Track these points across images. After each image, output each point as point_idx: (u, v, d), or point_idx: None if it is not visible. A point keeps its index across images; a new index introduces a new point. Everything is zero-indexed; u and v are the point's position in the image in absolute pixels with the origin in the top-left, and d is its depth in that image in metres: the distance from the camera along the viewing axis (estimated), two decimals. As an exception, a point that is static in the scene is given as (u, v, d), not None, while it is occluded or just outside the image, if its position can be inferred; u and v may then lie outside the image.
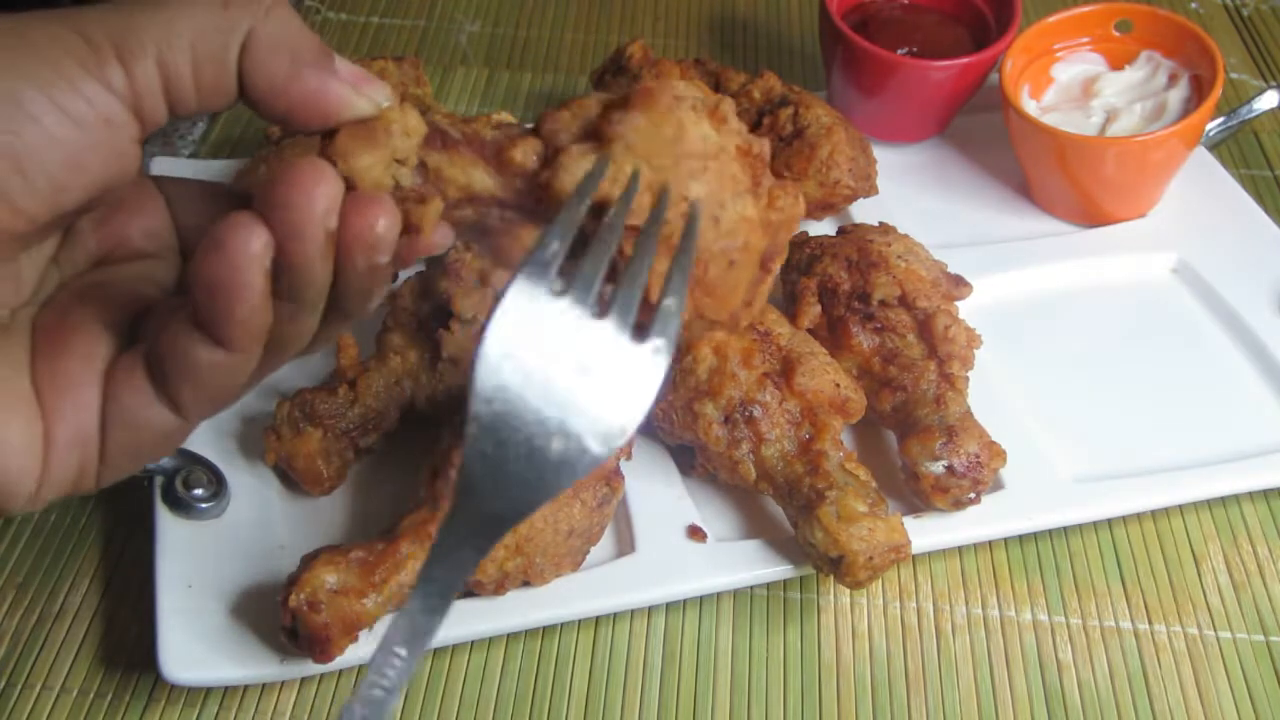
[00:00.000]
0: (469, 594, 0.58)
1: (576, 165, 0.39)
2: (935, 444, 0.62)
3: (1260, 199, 0.87)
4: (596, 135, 0.40)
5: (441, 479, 0.57)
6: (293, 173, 0.35)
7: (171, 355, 0.36)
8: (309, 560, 0.54)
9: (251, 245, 0.34)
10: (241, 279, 0.34)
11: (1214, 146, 0.90)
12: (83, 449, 0.37)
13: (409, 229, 0.39)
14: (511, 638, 0.60)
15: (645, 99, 0.40)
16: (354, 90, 0.38)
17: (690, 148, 0.40)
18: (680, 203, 0.39)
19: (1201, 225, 0.83)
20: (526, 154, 0.41)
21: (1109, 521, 0.67)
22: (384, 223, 0.36)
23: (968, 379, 0.67)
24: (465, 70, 0.99)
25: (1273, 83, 1.01)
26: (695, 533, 0.63)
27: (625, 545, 0.63)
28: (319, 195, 0.35)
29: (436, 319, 0.65)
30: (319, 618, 0.52)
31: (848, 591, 0.64)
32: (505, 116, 0.76)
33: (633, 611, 0.62)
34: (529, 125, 0.42)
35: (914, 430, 0.64)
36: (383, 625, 0.56)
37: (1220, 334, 0.77)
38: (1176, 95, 0.80)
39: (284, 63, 0.36)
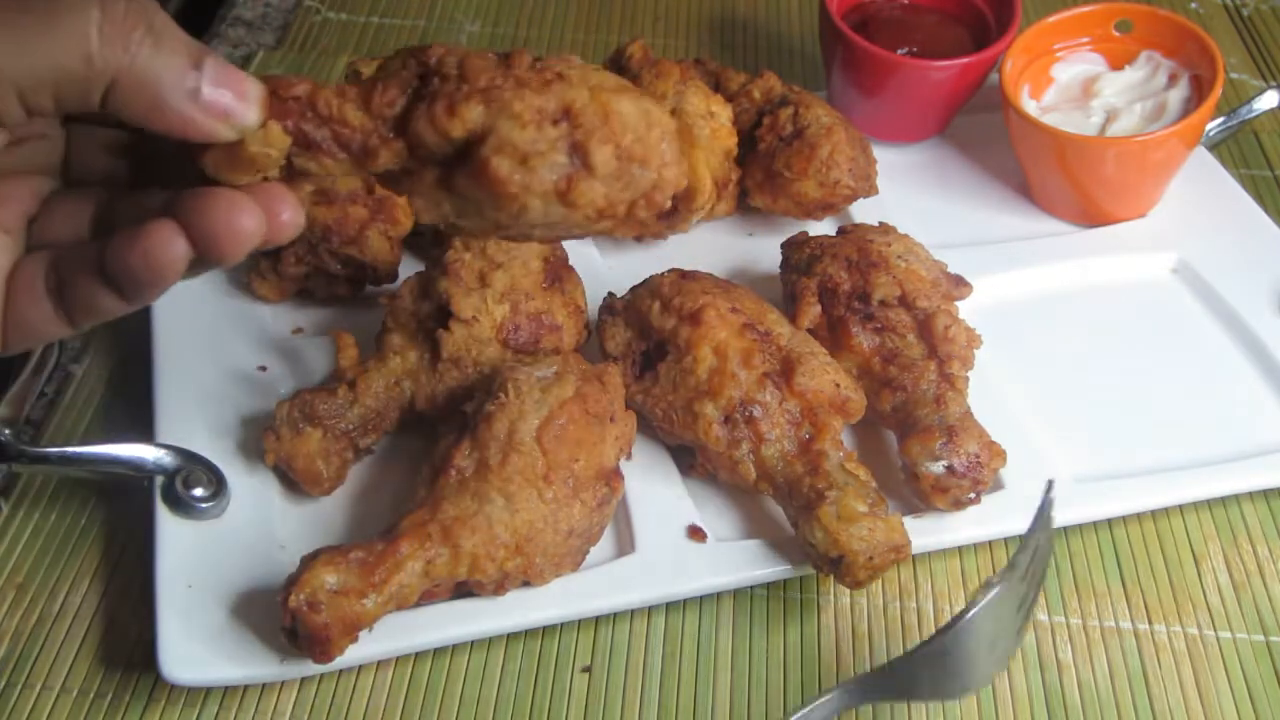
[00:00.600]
0: (469, 594, 0.58)
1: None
2: (935, 444, 0.62)
3: (1260, 199, 0.87)
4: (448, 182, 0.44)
5: (441, 479, 0.57)
6: (213, 204, 0.40)
7: (82, 299, 0.42)
8: (309, 560, 0.54)
9: (174, 252, 0.40)
10: (161, 277, 0.41)
11: (1214, 146, 0.90)
12: None
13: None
14: (511, 638, 0.60)
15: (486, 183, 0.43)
16: (216, 120, 0.40)
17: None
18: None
19: (1201, 225, 0.83)
20: (390, 159, 0.44)
21: (1109, 521, 0.67)
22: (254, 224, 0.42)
23: (968, 379, 0.67)
24: (465, 70, 0.99)
25: (1273, 83, 1.01)
26: (695, 533, 0.63)
27: (625, 545, 0.63)
28: (241, 228, 0.41)
29: (436, 319, 0.65)
30: (319, 618, 0.52)
31: (848, 591, 0.64)
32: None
33: (633, 611, 0.62)
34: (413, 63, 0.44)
35: (914, 430, 0.64)
36: (381, 625, 0.56)
37: (1220, 334, 0.77)
38: (1176, 95, 0.80)
39: (145, 102, 0.39)
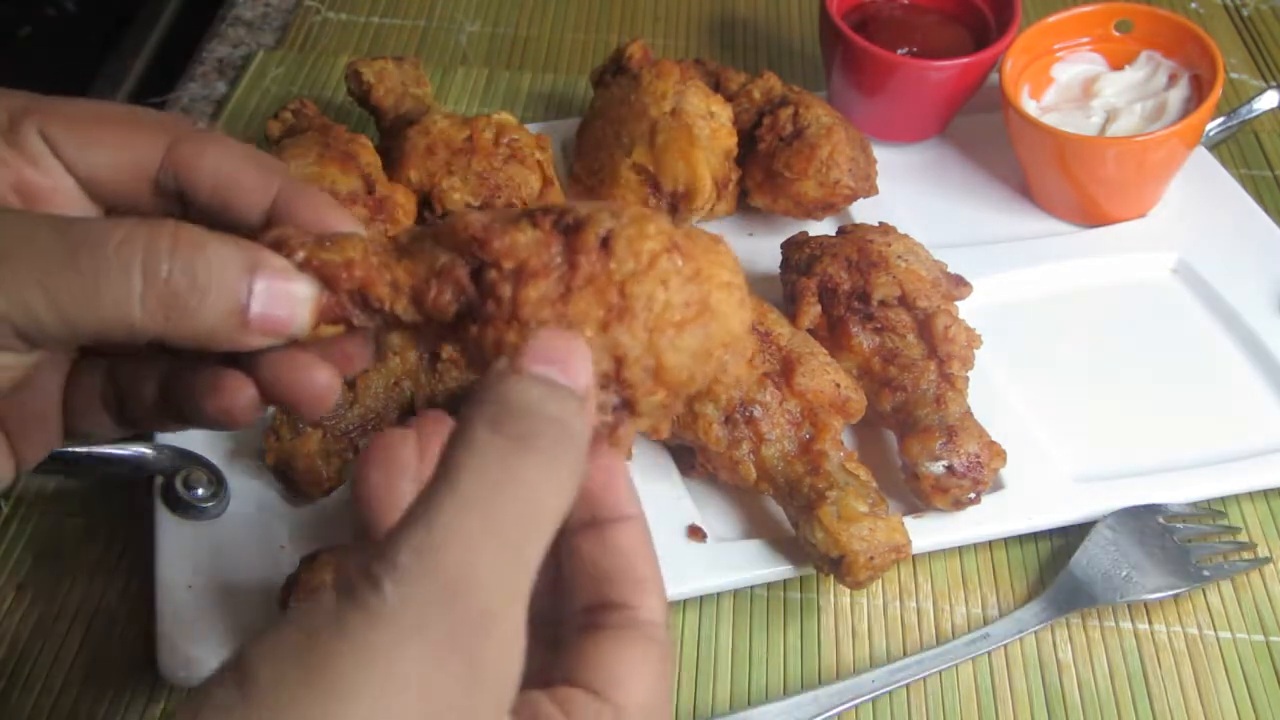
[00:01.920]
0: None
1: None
2: (935, 444, 0.62)
3: (1260, 199, 0.87)
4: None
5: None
6: (289, 366, 0.40)
7: (143, 417, 0.42)
8: (308, 561, 0.54)
9: (249, 409, 0.40)
10: (232, 426, 0.40)
11: (1214, 146, 0.90)
12: (47, 450, 0.43)
13: None
14: (511, 638, 0.60)
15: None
16: (265, 338, 0.38)
17: None
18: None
19: (1201, 225, 0.83)
20: (439, 346, 0.42)
21: (1109, 521, 0.67)
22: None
23: (968, 379, 0.67)
24: (465, 70, 0.99)
25: (1273, 83, 1.01)
26: (695, 533, 0.63)
27: (625, 545, 0.63)
28: (318, 387, 0.40)
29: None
30: (319, 618, 0.52)
31: (848, 591, 0.64)
32: (505, 116, 0.76)
33: (633, 611, 0.62)
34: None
35: (914, 430, 0.64)
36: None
37: (1220, 334, 0.77)
38: (1176, 95, 0.80)
39: (191, 344, 0.37)
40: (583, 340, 0.37)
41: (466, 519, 0.29)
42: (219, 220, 0.41)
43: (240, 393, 0.39)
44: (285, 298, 0.38)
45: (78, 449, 0.62)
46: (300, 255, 0.39)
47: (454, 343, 0.42)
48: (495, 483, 0.30)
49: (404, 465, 0.38)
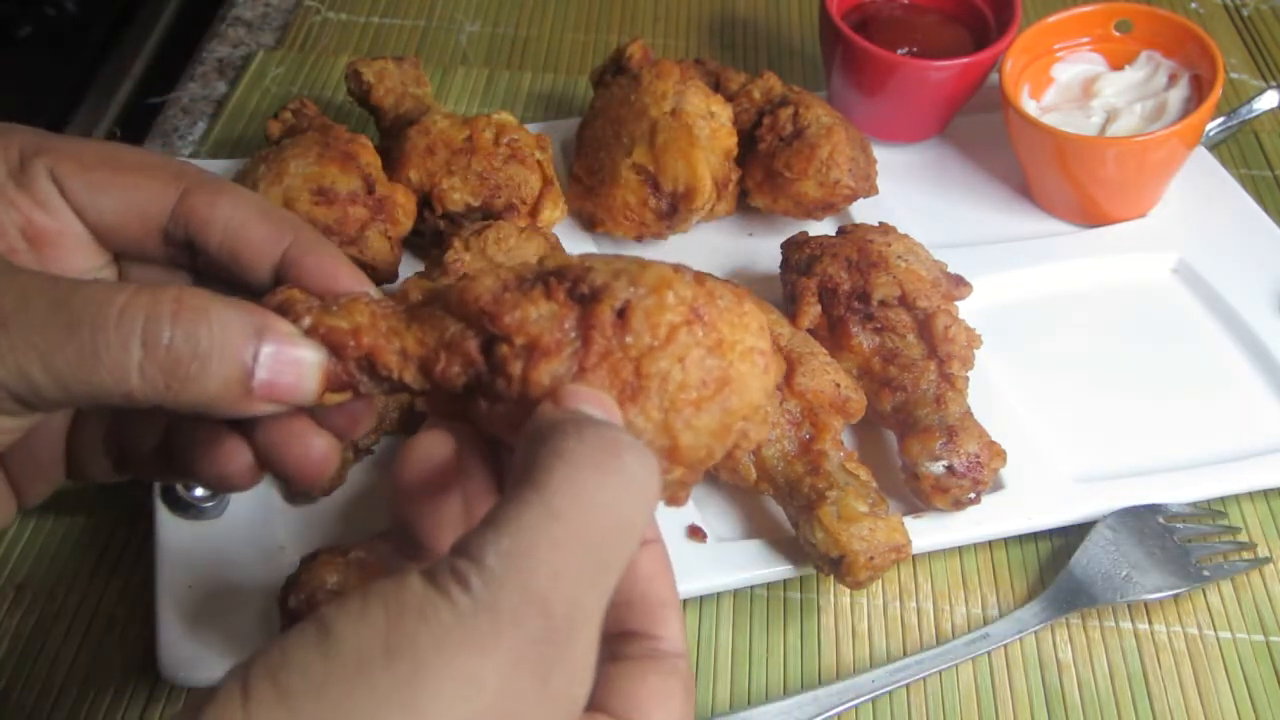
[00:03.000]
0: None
1: None
2: (935, 444, 0.62)
3: (1260, 199, 0.87)
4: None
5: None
6: (287, 439, 0.40)
7: (144, 469, 0.42)
8: (308, 561, 0.54)
9: (247, 476, 0.40)
10: (232, 490, 0.42)
11: (1214, 146, 0.90)
12: (49, 491, 0.43)
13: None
14: (511, 638, 0.60)
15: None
16: (270, 406, 0.37)
17: None
18: None
19: (1201, 225, 0.83)
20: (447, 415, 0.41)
21: (1109, 521, 0.67)
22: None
23: (968, 379, 0.67)
24: (465, 70, 0.99)
25: (1273, 83, 1.01)
26: (695, 533, 0.63)
27: (625, 545, 0.63)
28: (317, 458, 0.40)
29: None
30: (319, 618, 0.52)
31: (848, 591, 0.64)
32: (505, 116, 0.76)
33: (633, 611, 0.62)
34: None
35: (914, 430, 0.64)
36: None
37: (1220, 334, 0.77)
38: (1176, 95, 0.80)
39: (194, 412, 0.36)
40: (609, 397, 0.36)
41: (556, 528, 0.29)
42: (227, 272, 0.41)
43: (237, 458, 0.39)
44: (292, 365, 0.37)
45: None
46: (307, 321, 0.38)
47: (463, 414, 0.40)
48: (586, 494, 0.30)
49: (441, 466, 0.37)
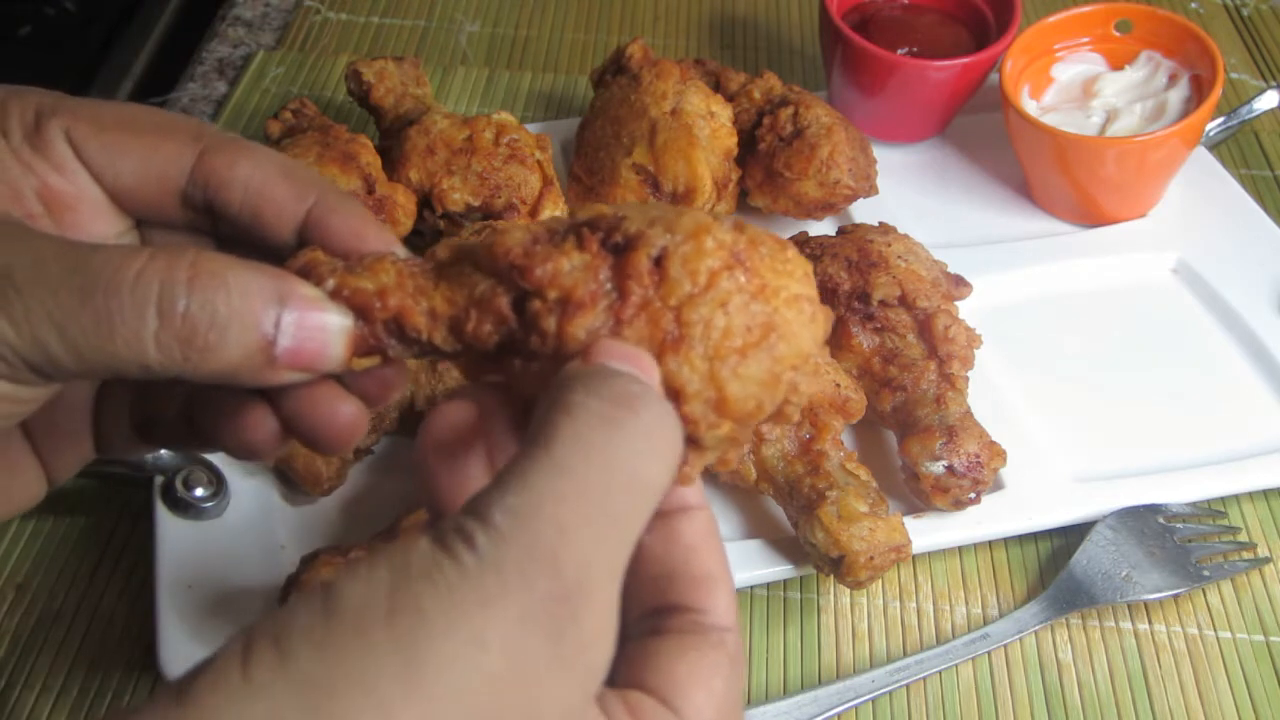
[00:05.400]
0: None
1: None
2: (935, 444, 0.62)
3: (1260, 199, 0.87)
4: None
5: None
6: (314, 402, 0.38)
7: (168, 439, 0.41)
8: (308, 561, 0.54)
9: (272, 442, 0.38)
10: (257, 458, 0.39)
11: (1214, 146, 0.90)
12: (78, 465, 0.42)
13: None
14: (511, 638, 0.60)
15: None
16: (296, 374, 0.36)
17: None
18: None
19: (1201, 225, 0.83)
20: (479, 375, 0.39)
21: (1109, 521, 0.67)
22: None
23: (968, 379, 0.67)
24: (465, 70, 0.99)
25: (1273, 83, 1.01)
26: (695, 533, 0.63)
27: (625, 545, 0.63)
28: (344, 423, 0.38)
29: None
30: (319, 618, 0.52)
31: (848, 591, 0.64)
32: (505, 116, 0.76)
33: (633, 611, 0.62)
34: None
35: (914, 430, 0.64)
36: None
37: (1220, 334, 0.77)
38: (1176, 95, 0.80)
39: (215, 382, 0.35)
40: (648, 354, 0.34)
41: (561, 483, 0.28)
42: (249, 235, 0.40)
43: (262, 426, 0.38)
44: (317, 331, 0.35)
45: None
46: (330, 284, 0.36)
47: (497, 373, 0.38)
48: (593, 448, 0.29)
49: (465, 434, 0.35)
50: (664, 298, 0.36)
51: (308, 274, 0.37)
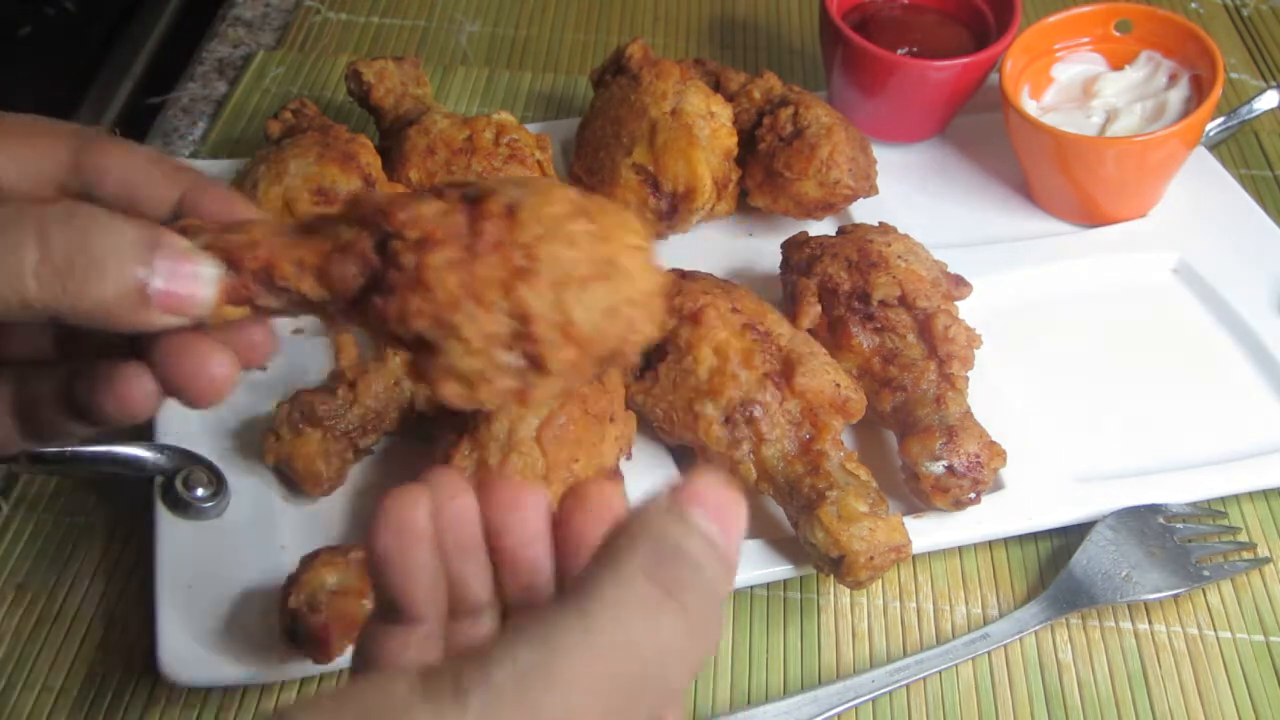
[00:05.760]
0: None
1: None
2: (935, 444, 0.62)
3: (1260, 199, 0.87)
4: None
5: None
6: (187, 354, 0.39)
7: (48, 423, 0.41)
8: (309, 561, 0.54)
9: (148, 400, 0.39)
10: (134, 419, 0.40)
11: (1214, 146, 0.90)
12: None
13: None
14: (511, 638, 0.60)
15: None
16: (169, 316, 0.38)
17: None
18: None
19: (1201, 225, 0.83)
20: (350, 325, 0.42)
21: (1109, 521, 0.67)
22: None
23: (968, 379, 0.67)
24: (465, 70, 0.99)
25: (1273, 83, 1.01)
26: (695, 533, 0.63)
27: (625, 545, 0.63)
28: (215, 376, 0.40)
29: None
30: (318, 618, 0.52)
31: (848, 591, 0.64)
32: (505, 116, 0.76)
33: (633, 611, 0.62)
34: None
35: (914, 430, 0.64)
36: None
37: (1220, 334, 0.77)
38: (1176, 95, 0.80)
39: (92, 322, 0.36)
40: (744, 502, 0.33)
41: (588, 663, 0.26)
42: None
43: (137, 382, 0.38)
44: (188, 275, 0.37)
45: (78, 449, 0.62)
46: (204, 238, 0.39)
47: (361, 322, 0.41)
48: (631, 634, 0.27)
49: (419, 531, 0.35)
50: (515, 238, 0.39)
51: (183, 232, 0.39)
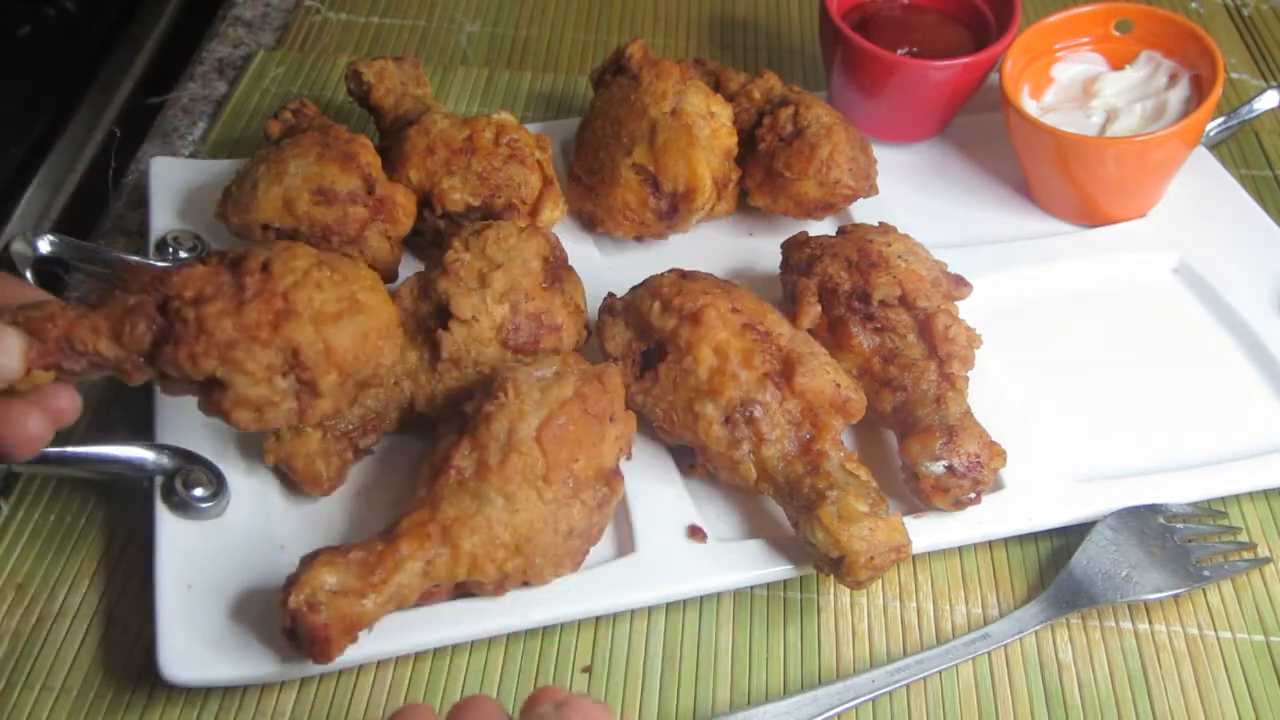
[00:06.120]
0: (469, 594, 0.58)
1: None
2: (935, 444, 0.62)
3: (1260, 199, 0.87)
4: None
5: (441, 479, 0.57)
6: (7, 421, 0.48)
7: None
8: (308, 561, 0.54)
9: None
10: None
11: (1214, 146, 0.90)
12: None
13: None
14: (512, 638, 0.60)
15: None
16: None
17: None
18: None
19: (1201, 225, 0.83)
20: (146, 378, 0.52)
21: (1109, 521, 0.67)
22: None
23: (968, 379, 0.67)
24: (465, 70, 0.99)
25: (1273, 83, 1.01)
26: (695, 533, 0.63)
27: (625, 545, 0.63)
28: (30, 434, 0.49)
29: (436, 319, 0.65)
30: (318, 618, 0.52)
31: (848, 591, 0.64)
32: (505, 116, 0.76)
33: (633, 611, 0.62)
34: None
35: (914, 430, 0.64)
36: (381, 625, 0.56)
37: (1220, 334, 0.77)
38: (1176, 95, 0.80)
39: None
40: None
41: None
42: None
43: None
44: None
45: (77, 449, 0.62)
46: (7, 316, 0.48)
47: (155, 372, 0.51)
48: None
49: None
50: (273, 287, 0.50)
51: None
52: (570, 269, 0.70)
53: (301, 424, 0.54)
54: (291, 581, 0.53)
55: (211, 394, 0.52)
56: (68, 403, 0.50)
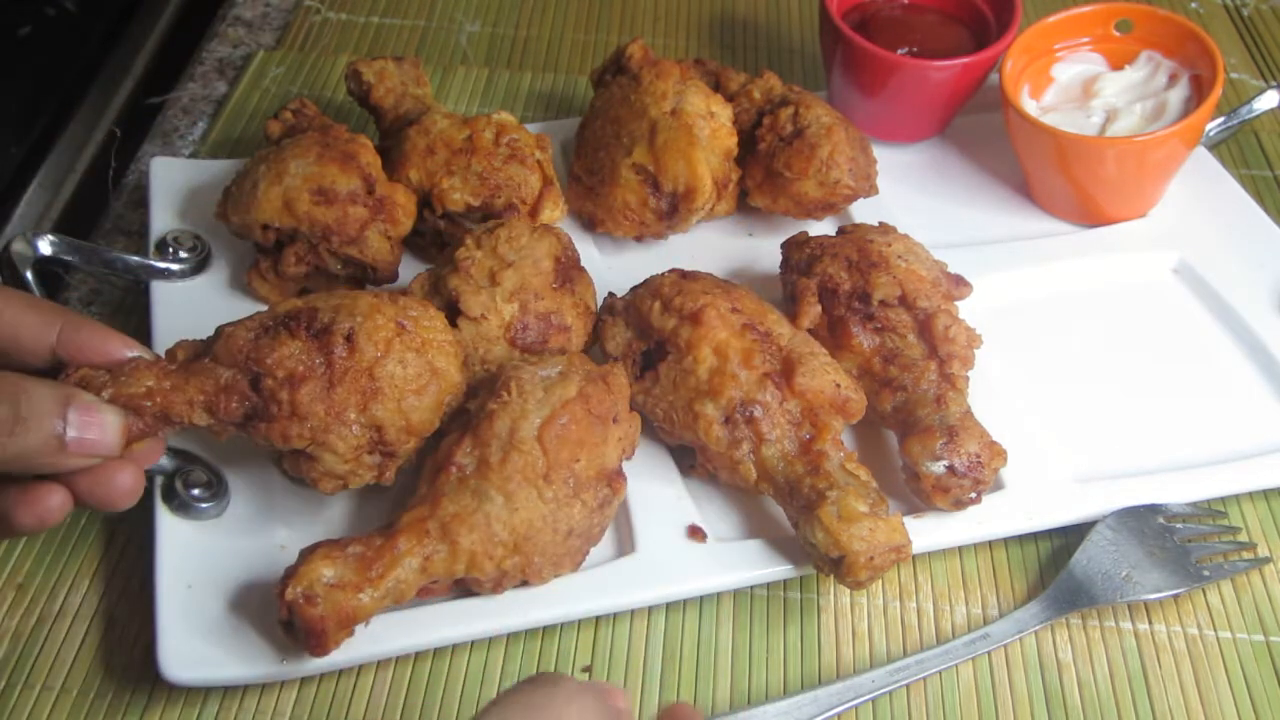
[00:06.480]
0: (469, 593, 0.58)
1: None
2: (936, 444, 0.62)
3: (1260, 199, 0.87)
4: None
5: (442, 476, 0.57)
6: (102, 474, 0.50)
7: None
8: (307, 553, 0.54)
9: (62, 513, 0.48)
10: (45, 529, 0.49)
11: (1214, 146, 0.90)
12: None
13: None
14: (511, 638, 0.60)
15: None
16: (82, 459, 0.48)
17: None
18: None
19: (1201, 225, 0.83)
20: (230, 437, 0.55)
21: (1109, 521, 0.67)
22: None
23: (968, 379, 0.67)
24: (465, 70, 0.99)
25: (1273, 83, 1.01)
26: (695, 533, 0.63)
27: (625, 545, 0.63)
28: (127, 490, 0.51)
29: (445, 316, 0.65)
30: (315, 611, 0.52)
31: (848, 591, 0.64)
32: (505, 116, 0.76)
33: (633, 611, 0.62)
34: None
35: (914, 430, 0.64)
36: (382, 625, 0.56)
37: (1220, 334, 0.77)
38: (1176, 95, 0.80)
39: (15, 468, 0.46)
40: None
41: None
42: (8, 359, 0.49)
43: (50, 497, 0.46)
44: (98, 425, 0.47)
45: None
46: (107, 393, 0.50)
47: (248, 436, 0.54)
48: None
49: None
50: (358, 363, 0.54)
51: (85, 385, 0.50)
52: (582, 270, 0.70)
53: (382, 482, 0.58)
54: (289, 573, 0.53)
55: (299, 462, 0.56)
56: (153, 449, 0.53)
